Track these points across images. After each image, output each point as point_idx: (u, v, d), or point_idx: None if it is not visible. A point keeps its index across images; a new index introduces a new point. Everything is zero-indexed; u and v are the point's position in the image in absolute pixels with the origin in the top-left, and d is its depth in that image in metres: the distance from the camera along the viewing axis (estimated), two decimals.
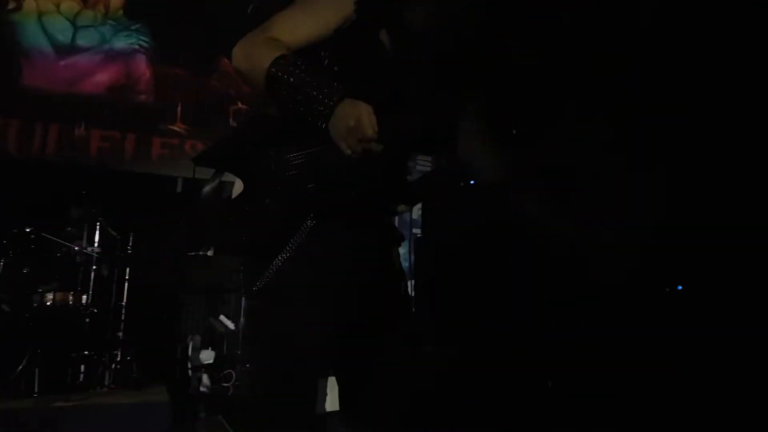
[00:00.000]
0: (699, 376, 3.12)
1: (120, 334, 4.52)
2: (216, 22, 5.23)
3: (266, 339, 1.72)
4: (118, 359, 4.36)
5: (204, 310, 4.90)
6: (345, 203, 1.65)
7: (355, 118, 1.49)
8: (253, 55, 1.61)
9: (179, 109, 5.31)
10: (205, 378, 4.69)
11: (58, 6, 4.91)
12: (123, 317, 4.55)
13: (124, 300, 4.59)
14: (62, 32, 4.86)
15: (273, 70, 1.55)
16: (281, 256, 1.63)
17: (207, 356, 4.75)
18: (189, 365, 4.73)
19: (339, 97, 1.52)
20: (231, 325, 4.83)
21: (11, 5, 4.70)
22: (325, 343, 1.66)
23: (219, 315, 4.86)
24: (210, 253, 4.56)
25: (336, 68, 1.68)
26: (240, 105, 5.44)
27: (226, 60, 5.43)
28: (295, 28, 1.66)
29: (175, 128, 5.31)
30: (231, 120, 5.45)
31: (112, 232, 4.51)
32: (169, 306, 4.87)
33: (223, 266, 4.97)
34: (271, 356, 1.68)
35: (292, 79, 1.54)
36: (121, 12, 4.95)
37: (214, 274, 4.99)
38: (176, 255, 4.95)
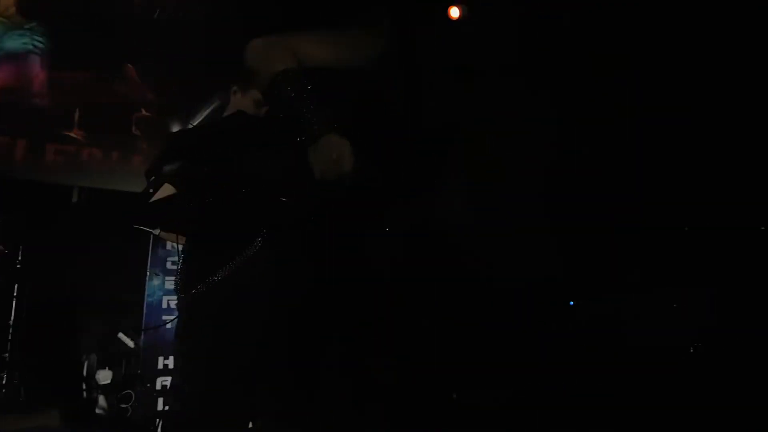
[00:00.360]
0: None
1: (6, 355, 4.21)
2: (120, 27, 5.02)
3: (202, 355, 1.70)
4: (4, 382, 4.09)
5: (102, 328, 4.64)
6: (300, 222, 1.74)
7: (338, 153, 1.60)
8: (268, 57, 1.71)
9: (77, 114, 5.02)
10: (101, 399, 4.44)
11: None
12: (10, 336, 4.24)
13: (12, 318, 4.28)
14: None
15: (279, 78, 1.64)
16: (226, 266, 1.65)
17: (104, 376, 4.50)
18: (84, 386, 4.47)
19: (328, 128, 1.60)
20: (130, 343, 4.60)
21: None
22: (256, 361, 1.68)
23: (117, 333, 4.62)
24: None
25: (338, 98, 1.78)
26: (144, 112, 5.22)
27: (129, 66, 5.21)
28: (315, 48, 1.78)
29: (72, 134, 5.02)
30: (133, 128, 5.21)
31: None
32: (63, 324, 4.57)
33: (120, 281, 4.75)
34: (206, 373, 1.67)
35: (293, 94, 1.63)
36: (13, 10, 4.64)
37: (112, 289, 4.75)
38: (71, 269, 4.67)
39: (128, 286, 4.77)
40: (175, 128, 5.11)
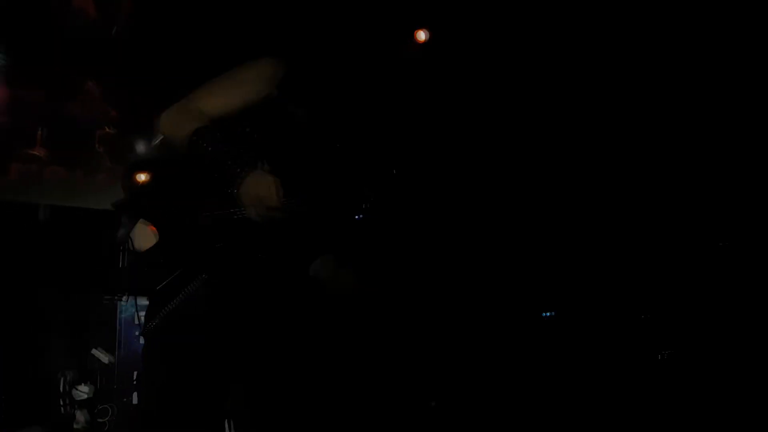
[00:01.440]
0: None
1: None
2: (80, 43, 5.04)
3: (153, 383, 1.86)
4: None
5: (77, 344, 4.73)
6: (244, 262, 1.84)
7: (265, 188, 1.70)
8: (178, 124, 1.81)
9: (39, 133, 5.05)
10: (78, 414, 4.56)
11: None
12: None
13: None
14: None
15: (194, 138, 1.74)
16: (172, 303, 1.78)
17: (82, 391, 4.60)
18: (61, 402, 4.57)
19: (250, 168, 1.72)
20: (106, 359, 4.71)
21: None
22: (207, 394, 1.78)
23: (92, 348, 4.72)
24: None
25: (255, 136, 1.88)
26: (107, 129, 5.27)
27: (90, 83, 5.25)
28: (217, 101, 1.86)
29: (35, 153, 5.05)
30: (97, 145, 5.27)
31: None
32: (36, 342, 4.64)
33: (86, 300, 4.83)
34: (157, 401, 1.80)
35: (210, 149, 1.73)
36: None
37: (78, 307, 4.83)
38: (38, 287, 4.72)
39: (98, 302, 4.88)
40: (139, 146, 5.20)
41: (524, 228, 3.98)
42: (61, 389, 4.57)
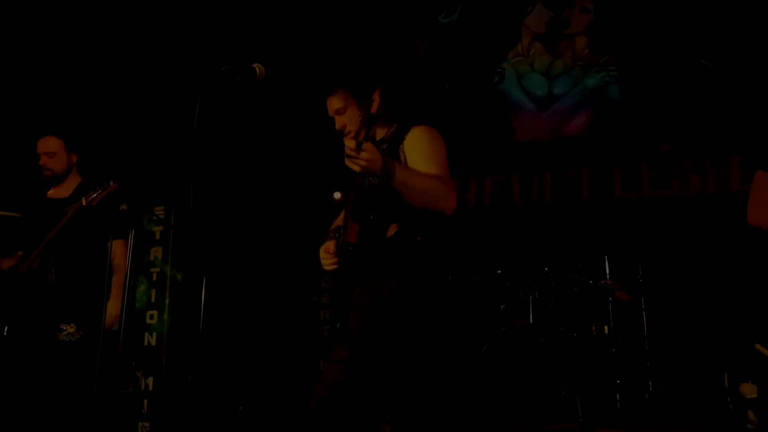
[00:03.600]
0: None
1: (647, 364, 4.45)
2: None
3: None
4: (650, 390, 4.31)
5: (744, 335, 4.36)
6: None
7: None
8: None
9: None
10: (750, 414, 4.14)
11: (532, 65, 5.45)
12: (647, 347, 4.48)
13: (645, 330, 4.52)
14: (539, 87, 5.36)
15: None
16: None
17: (750, 389, 4.18)
18: (729, 399, 4.27)
19: None
20: None
21: (496, 78, 5.49)
22: None
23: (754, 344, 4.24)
24: None
25: None
26: None
27: None
28: None
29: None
30: None
31: (620, 263, 4.56)
32: (696, 335, 4.54)
33: None
34: None
35: None
36: (586, 51, 5.14)
37: None
38: None
39: None
40: None
41: None
42: (726, 384, 4.27)
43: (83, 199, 2.83)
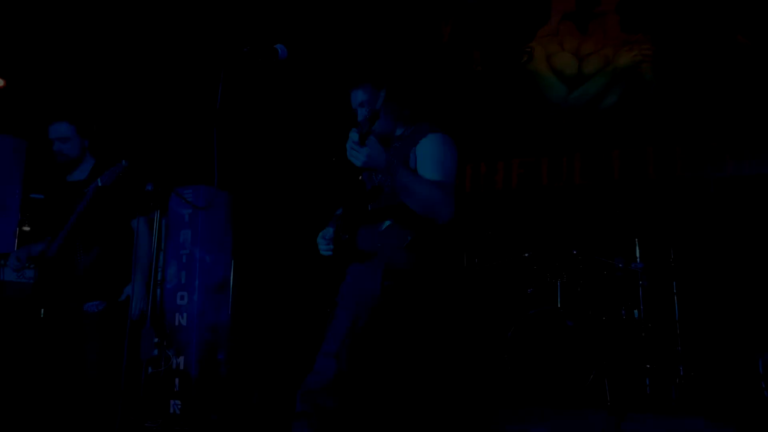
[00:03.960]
0: None
1: (678, 349, 4.38)
2: None
3: None
4: (681, 375, 4.25)
5: None
6: None
7: None
8: None
9: None
10: None
11: (561, 44, 5.35)
12: (678, 332, 4.40)
13: (676, 314, 4.44)
14: (569, 67, 5.27)
15: None
16: None
17: None
18: (764, 386, 4.17)
19: None
20: None
21: (525, 58, 5.42)
22: None
23: None
24: None
25: None
26: None
27: None
28: None
29: None
30: None
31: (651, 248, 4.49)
32: (726, 319, 4.44)
33: None
34: None
35: None
36: (618, 29, 5.02)
37: None
38: None
39: None
40: None
41: None
42: (761, 372, 4.17)
43: (98, 180, 2.89)
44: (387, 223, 2.30)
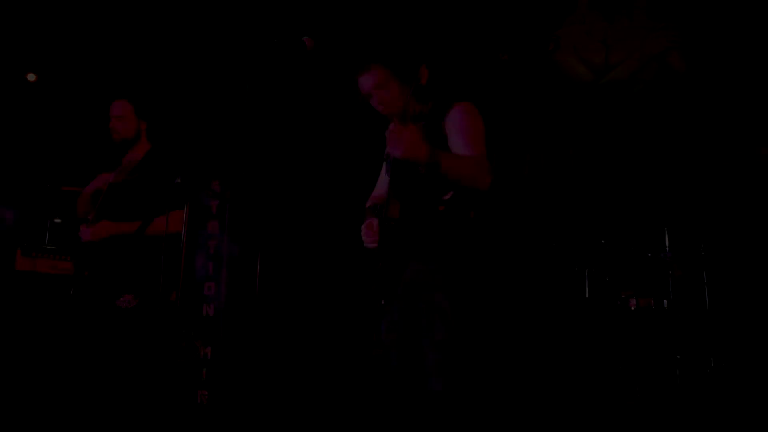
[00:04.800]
0: None
1: (709, 339, 4.32)
2: None
3: None
4: (712, 366, 4.20)
5: None
6: None
7: None
8: None
9: None
10: None
11: (588, 32, 5.27)
12: (708, 322, 4.35)
13: (707, 304, 4.38)
14: (596, 55, 5.20)
15: None
16: None
17: None
18: None
19: None
20: None
21: (551, 46, 5.34)
22: None
23: None
24: None
25: None
26: None
27: None
28: None
29: None
30: None
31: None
32: (758, 310, 4.37)
33: None
34: None
35: None
36: (645, 17, 4.93)
37: None
38: None
39: None
40: None
41: None
42: None
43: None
44: (443, 202, 2.23)
